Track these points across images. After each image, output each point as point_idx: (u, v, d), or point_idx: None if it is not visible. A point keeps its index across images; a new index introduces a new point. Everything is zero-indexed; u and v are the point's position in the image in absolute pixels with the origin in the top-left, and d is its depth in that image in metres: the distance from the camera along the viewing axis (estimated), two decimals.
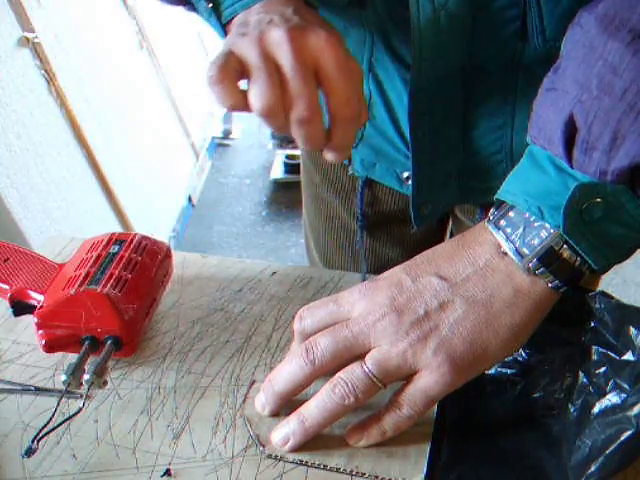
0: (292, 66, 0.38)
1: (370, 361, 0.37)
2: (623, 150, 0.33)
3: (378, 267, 0.75)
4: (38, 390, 0.44)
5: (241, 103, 0.39)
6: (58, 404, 0.40)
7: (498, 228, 0.37)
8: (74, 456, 0.39)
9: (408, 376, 0.37)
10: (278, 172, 2.58)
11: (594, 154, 0.34)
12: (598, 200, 0.34)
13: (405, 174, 0.60)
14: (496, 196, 0.38)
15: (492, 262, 0.37)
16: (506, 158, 0.56)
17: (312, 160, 0.73)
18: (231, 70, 0.38)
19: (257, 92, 0.38)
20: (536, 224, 0.36)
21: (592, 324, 0.39)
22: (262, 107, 0.38)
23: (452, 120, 0.54)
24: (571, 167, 0.35)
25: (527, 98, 0.50)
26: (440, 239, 0.78)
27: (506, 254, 0.37)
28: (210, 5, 0.44)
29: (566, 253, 0.35)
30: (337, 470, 0.38)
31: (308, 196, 0.78)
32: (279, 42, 0.38)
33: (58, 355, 0.46)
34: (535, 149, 0.38)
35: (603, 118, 0.33)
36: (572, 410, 0.39)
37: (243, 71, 0.39)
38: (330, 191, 0.73)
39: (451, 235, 0.77)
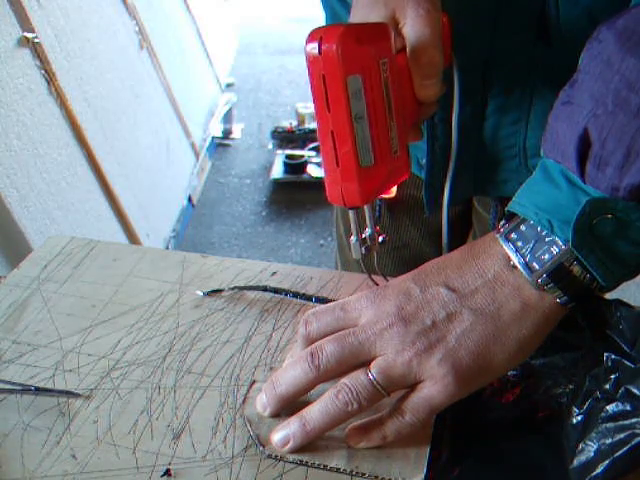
0: None
1: (375, 369, 0.37)
2: (635, 167, 0.32)
3: (398, 246, 0.76)
4: (38, 390, 0.44)
5: None
6: None
7: (508, 241, 0.37)
8: (74, 456, 0.39)
9: (412, 385, 0.37)
10: (278, 172, 2.58)
11: (607, 169, 0.33)
12: (609, 216, 0.33)
13: (424, 160, 0.61)
14: (507, 207, 0.38)
15: (501, 275, 0.37)
16: (519, 154, 0.56)
17: None
18: None
19: None
20: (547, 239, 0.36)
21: (605, 331, 0.38)
22: None
23: (468, 110, 0.54)
24: (583, 182, 0.35)
25: (544, 97, 0.51)
26: (461, 230, 0.79)
27: (515, 267, 0.37)
28: None
29: (576, 269, 0.35)
30: (337, 470, 0.38)
31: None
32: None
33: (58, 355, 0.46)
34: (548, 162, 0.38)
35: (617, 134, 0.33)
36: (575, 413, 0.38)
37: None
38: None
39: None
